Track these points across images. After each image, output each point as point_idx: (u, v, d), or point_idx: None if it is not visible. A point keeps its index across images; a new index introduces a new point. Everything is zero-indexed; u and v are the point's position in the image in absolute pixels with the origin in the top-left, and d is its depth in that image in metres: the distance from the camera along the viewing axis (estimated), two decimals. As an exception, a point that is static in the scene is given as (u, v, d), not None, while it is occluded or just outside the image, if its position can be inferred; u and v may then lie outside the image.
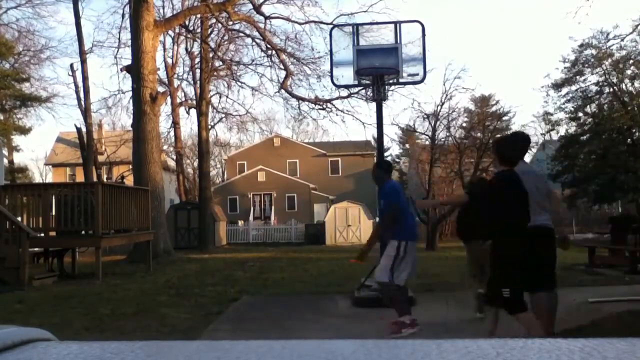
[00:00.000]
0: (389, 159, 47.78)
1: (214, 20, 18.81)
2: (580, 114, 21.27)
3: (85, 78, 20.97)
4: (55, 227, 10.40)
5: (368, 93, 8.67)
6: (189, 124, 66.65)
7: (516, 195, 3.86)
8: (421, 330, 4.92)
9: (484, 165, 19.20)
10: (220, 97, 23.16)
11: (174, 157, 30.02)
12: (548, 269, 4.34)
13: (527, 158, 28.50)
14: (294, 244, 24.12)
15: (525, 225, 3.84)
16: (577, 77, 20.70)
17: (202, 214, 20.03)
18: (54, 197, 10.45)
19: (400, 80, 7.94)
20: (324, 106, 18.27)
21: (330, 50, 8.23)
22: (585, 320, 5.49)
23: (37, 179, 42.93)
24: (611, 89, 20.04)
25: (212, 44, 20.06)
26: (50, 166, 35.95)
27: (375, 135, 8.45)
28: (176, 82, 24.33)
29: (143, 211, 11.94)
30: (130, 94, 15.98)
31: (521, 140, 4.37)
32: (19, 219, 10.06)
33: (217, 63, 20.90)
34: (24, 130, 30.39)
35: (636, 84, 19.94)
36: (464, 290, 6.65)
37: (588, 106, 21.15)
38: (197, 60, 21.89)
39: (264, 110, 67.70)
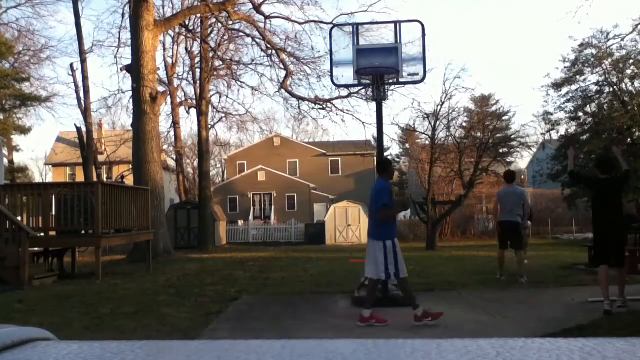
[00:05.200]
0: (389, 158, 47.65)
1: (214, 20, 18.82)
2: (580, 114, 21.22)
3: (85, 78, 21.02)
4: (55, 227, 10.40)
5: (368, 93, 8.66)
6: (189, 123, 66.67)
7: None
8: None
9: (484, 164, 19.16)
10: (220, 97, 23.18)
11: (174, 157, 30.02)
12: (518, 240, 8.75)
13: (528, 158, 28.20)
14: (294, 243, 24.11)
15: None
16: (577, 76, 20.65)
17: (202, 214, 20.02)
18: (54, 197, 10.44)
19: (400, 80, 7.94)
20: (324, 106, 18.26)
21: (330, 50, 8.22)
22: (585, 320, 5.49)
23: (37, 179, 43.04)
24: (611, 89, 20.00)
25: (212, 44, 20.05)
26: (50, 166, 35.94)
27: (375, 135, 8.45)
28: (176, 82, 24.34)
29: (143, 211, 11.93)
30: (130, 93, 15.98)
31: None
32: (19, 218, 10.06)
33: (217, 63, 20.89)
34: (24, 130, 30.40)
35: (636, 84, 19.90)
36: (463, 289, 6.64)
37: (588, 106, 21.10)
38: (197, 60, 21.89)
39: (264, 110, 67.76)
